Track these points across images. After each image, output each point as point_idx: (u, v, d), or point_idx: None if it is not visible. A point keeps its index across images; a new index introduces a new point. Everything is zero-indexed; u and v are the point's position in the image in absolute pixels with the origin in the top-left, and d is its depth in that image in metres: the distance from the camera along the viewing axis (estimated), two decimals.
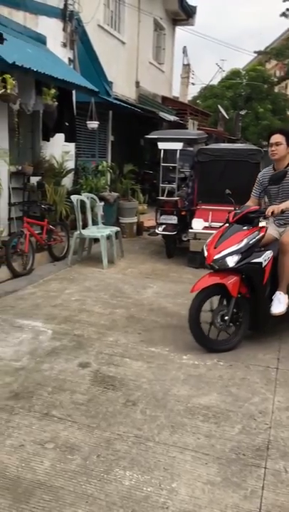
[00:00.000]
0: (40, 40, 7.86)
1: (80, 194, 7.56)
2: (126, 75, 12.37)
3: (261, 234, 3.82)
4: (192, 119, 15.94)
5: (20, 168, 7.03)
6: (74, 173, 9.07)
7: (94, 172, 9.61)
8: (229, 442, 2.58)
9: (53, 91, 6.86)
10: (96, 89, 8.10)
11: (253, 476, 2.31)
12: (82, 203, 7.17)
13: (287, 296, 3.91)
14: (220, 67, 28.01)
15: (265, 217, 3.97)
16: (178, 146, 7.63)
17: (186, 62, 20.39)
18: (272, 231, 4.15)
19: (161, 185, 7.79)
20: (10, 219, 6.74)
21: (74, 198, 6.97)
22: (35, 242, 6.42)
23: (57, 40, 8.52)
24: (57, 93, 6.99)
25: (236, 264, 3.64)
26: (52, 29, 8.31)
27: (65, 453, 2.44)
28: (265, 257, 3.73)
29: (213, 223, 6.39)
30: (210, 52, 37.70)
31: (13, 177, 7.01)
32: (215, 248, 3.75)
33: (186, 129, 14.26)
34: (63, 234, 7.21)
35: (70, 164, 8.76)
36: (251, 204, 4.24)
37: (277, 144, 4.03)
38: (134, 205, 9.57)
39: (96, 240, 7.10)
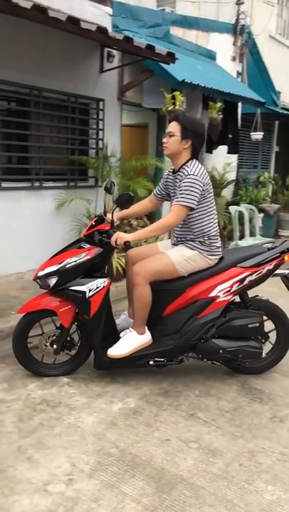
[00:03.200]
0: (210, 56, 8.15)
1: (238, 205, 7.58)
2: None
3: (87, 257, 3.09)
4: None
5: None
6: (235, 184, 9.12)
7: (255, 183, 9.53)
8: None
9: (218, 104, 7.04)
10: (262, 100, 8.05)
11: None
12: (241, 214, 7.17)
13: (143, 336, 3.13)
14: None
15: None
16: None
17: None
18: (165, 250, 3.28)
19: None
20: None
21: (232, 208, 7.02)
22: None
23: (226, 54, 8.72)
24: (222, 106, 7.14)
25: (54, 287, 3.08)
26: (222, 44, 8.54)
27: (207, 455, 2.50)
28: (91, 286, 3.06)
29: None
30: None
31: None
32: (48, 261, 3.18)
33: None
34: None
35: (232, 175, 8.84)
36: (148, 203, 3.50)
37: (169, 134, 3.09)
38: None
39: None
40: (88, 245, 3.16)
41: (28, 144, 5.44)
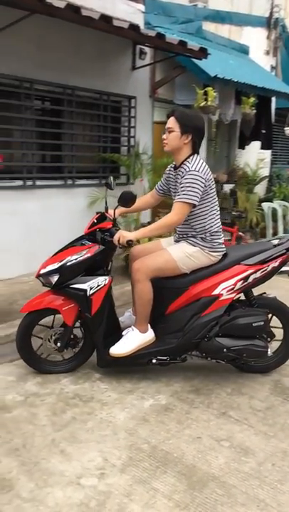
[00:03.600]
0: (243, 50, 8.04)
1: (272, 202, 7.45)
2: None
3: (87, 255, 3.06)
4: None
5: (214, 176, 7.31)
6: (268, 180, 8.98)
7: None
8: None
9: (252, 99, 6.95)
10: None
11: None
12: (274, 211, 7.06)
13: (145, 335, 3.09)
14: None
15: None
16: None
17: None
18: (167, 247, 3.24)
19: None
20: None
21: (265, 205, 6.92)
22: None
23: (260, 48, 8.59)
24: (256, 101, 7.04)
25: (55, 285, 3.07)
26: (255, 39, 8.42)
27: (239, 454, 2.48)
28: (92, 284, 3.04)
29: None
30: None
31: None
32: (50, 259, 3.17)
33: None
34: (252, 241, 7.21)
35: (265, 172, 8.71)
36: (150, 199, 3.48)
37: (169, 130, 3.02)
38: None
39: None
40: (89, 243, 3.14)
41: (61, 143, 5.52)
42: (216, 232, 3.12)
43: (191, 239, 3.11)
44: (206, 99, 6.06)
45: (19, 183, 5.07)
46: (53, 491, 2.18)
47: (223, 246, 3.17)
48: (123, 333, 3.17)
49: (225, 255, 3.18)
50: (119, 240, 2.92)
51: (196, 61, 5.86)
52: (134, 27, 4.75)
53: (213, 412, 2.88)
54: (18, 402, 2.91)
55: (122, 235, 2.91)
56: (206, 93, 6.03)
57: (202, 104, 6.10)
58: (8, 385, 3.11)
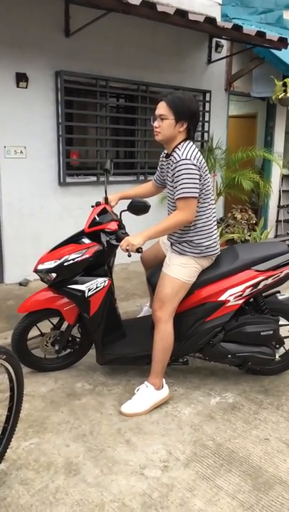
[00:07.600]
0: None
1: None
2: None
3: (85, 256, 2.88)
4: None
5: None
6: None
7: None
8: None
9: None
10: None
11: None
12: None
13: (161, 392, 2.83)
14: None
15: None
16: None
17: None
18: (164, 245, 3.09)
19: None
20: (277, 221, 6.83)
21: None
22: None
23: None
24: None
25: (53, 284, 2.96)
26: None
27: None
28: (91, 286, 2.88)
29: None
30: None
31: (285, 180, 7.06)
32: (48, 254, 3.01)
33: None
34: None
35: None
36: (152, 187, 3.26)
37: (161, 117, 2.65)
38: None
39: None
40: (89, 241, 2.98)
41: (134, 139, 5.59)
42: (203, 233, 2.79)
43: (177, 245, 2.82)
44: (285, 91, 5.84)
45: (93, 179, 5.21)
46: (117, 478, 2.22)
47: (215, 246, 2.85)
48: (135, 390, 2.87)
49: (235, 256, 2.96)
50: (127, 248, 2.63)
51: (275, 52, 5.67)
52: (210, 20, 4.68)
53: (283, 414, 2.77)
54: (87, 391, 3.00)
55: (131, 243, 2.60)
56: (285, 84, 5.81)
57: (281, 96, 5.88)
58: (79, 373, 3.22)
